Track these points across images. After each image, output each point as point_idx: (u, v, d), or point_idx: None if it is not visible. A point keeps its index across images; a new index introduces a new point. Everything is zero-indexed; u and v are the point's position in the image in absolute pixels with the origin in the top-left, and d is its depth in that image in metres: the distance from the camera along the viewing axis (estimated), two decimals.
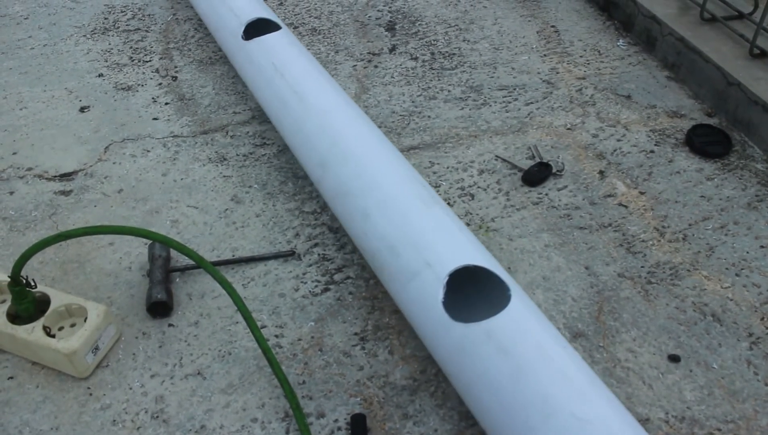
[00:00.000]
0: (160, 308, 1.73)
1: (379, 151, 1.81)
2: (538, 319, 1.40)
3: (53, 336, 1.62)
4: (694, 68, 2.47)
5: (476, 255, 1.50)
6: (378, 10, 2.98)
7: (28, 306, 1.64)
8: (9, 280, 1.60)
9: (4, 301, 1.69)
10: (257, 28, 2.33)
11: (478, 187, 2.09)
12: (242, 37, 2.30)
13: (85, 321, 1.63)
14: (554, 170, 2.13)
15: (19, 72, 2.63)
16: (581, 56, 2.69)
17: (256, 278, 1.83)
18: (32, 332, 1.60)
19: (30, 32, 2.87)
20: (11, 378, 1.61)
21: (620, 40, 2.78)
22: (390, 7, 3.00)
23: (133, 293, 1.80)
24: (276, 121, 2.10)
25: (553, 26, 2.88)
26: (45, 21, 2.95)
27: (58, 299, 1.68)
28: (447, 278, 1.44)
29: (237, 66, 2.36)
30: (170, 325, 1.72)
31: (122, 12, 3.00)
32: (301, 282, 1.82)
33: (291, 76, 2.09)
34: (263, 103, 2.18)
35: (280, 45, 2.23)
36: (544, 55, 2.69)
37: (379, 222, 1.63)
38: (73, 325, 1.67)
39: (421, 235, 1.56)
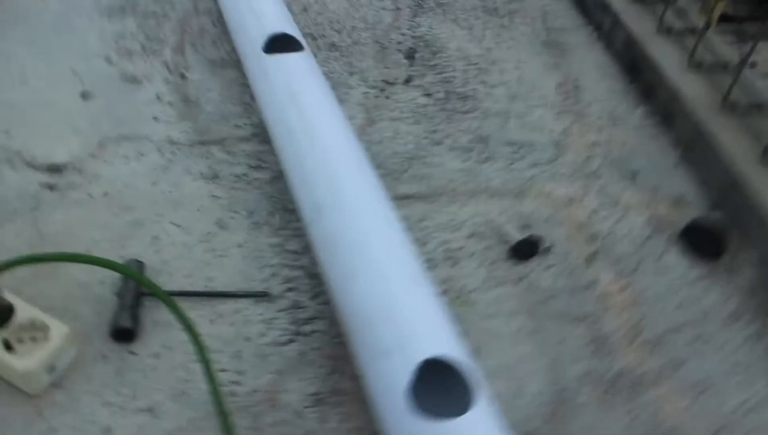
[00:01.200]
0: (124, 334, 1.72)
1: (374, 206, 1.79)
2: (499, 428, 1.39)
3: (12, 347, 1.62)
4: (706, 155, 2.42)
5: (452, 345, 1.49)
6: (401, 33, 2.91)
7: None
8: None
9: None
10: (279, 42, 2.27)
11: (464, 252, 2.07)
12: (263, 49, 2.25)
13: (46, 337, 1.63)
14: (543, 247, 2.10)
15: (27, 43, 2.58)
16: (598, 118, 2.64)
17: (225, 316, 1.82)
18: None
19: (45, 0, 2.81)
20: None
21: (639, 108, 2.73)
22: (414, 32, 2.93)
23: (100, 311, 1.79)
24: (276, 146, 2.07)
25: (574, 80, 2.81)
26: None
27: (22, 311, 1.67)
28: (416, 367, 1.43)
29: (250, 76, 2.32)
30: (131, 352, 1.72)
31: None
32: (269, 328, 1.81)
33: (303, 104, 2.06)
34: (268, 123, 2.14)
35: (299, 70, 2.19)
36: (559, 112, 2.64)
37: (362, 286, 1.61)
38: (33, 339, 1.67)
39: (401, 311, 1.55)
